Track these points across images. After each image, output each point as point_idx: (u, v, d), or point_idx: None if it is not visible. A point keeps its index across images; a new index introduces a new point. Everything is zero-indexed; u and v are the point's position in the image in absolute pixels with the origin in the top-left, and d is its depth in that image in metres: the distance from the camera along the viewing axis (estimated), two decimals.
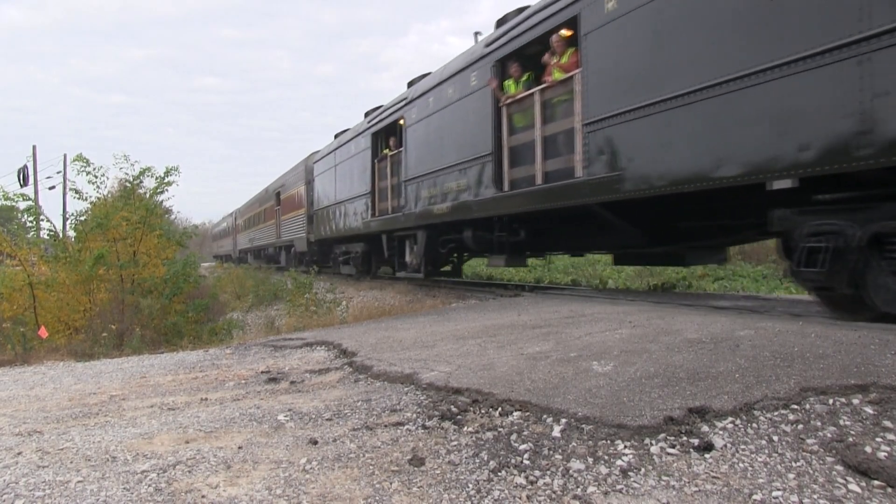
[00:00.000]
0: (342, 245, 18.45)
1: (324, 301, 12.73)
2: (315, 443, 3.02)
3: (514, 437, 2.88)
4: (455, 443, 2.90)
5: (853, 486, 2.23)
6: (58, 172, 34.97)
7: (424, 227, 11.66)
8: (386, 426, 3.21)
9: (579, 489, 2.38)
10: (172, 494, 2.49)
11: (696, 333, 4.35)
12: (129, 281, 12.47)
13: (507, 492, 2.40)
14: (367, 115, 15.11)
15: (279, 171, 43.88)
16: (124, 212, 12.83)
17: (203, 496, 2.46)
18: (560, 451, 2.68)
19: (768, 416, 2.76)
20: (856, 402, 2.79)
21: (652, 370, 3.49)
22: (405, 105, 12.22)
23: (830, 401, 2.82)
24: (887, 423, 2.58)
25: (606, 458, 2.58)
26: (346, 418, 3.42)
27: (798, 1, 4.71)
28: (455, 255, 12.93)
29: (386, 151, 13.88)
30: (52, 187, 36.69)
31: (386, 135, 14.07)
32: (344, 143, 16.70)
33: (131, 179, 13.64)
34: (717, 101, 5.37)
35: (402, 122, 12.58)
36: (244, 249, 39.11)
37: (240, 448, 3.00)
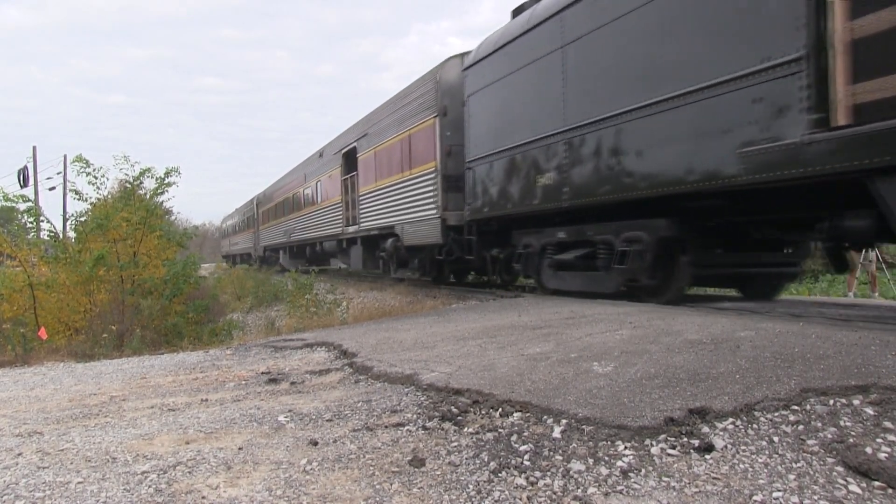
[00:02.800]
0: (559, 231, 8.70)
1: (324, 302, 12.73)
2: (315, 444, 3.02)
3: (514, 437, 2.88)
4: (455, 444, 2.90)
5: (854, 487, 2.23)
6: (58, 173, 35.00)
7: None
8: (386, 427, 3.20)
9: (580, 490, 2.38)
10: (173, 495, 2.48)
11: (697, 334, 4.35)
12: (129, 282, 12.46)
13: (507, 493, 2.40)
14: None
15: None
16: (124, 212, 12.82)
17: (203, 497, 2.46)
18: (560, 451, 2.68)
19: (769, 416, 2.76)
20: (856, 402, 2.79)
21: (652, 371, 3.49)
22: None
23: (831, 401, 2.82)
24: (888, 424, 2.58)
25: (607, 458, 2.57)
26: (346, 419, 3.42)
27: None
28: None
29: None
30: (53, 188, 36.37)
31: None
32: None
33: (131, 180, 13.64)
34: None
35: None
36: (273, 247, 29.91)
37: (240, 449, 3.00)
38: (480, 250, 10.74)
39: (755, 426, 2.70)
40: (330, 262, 24.71)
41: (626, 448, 2.63)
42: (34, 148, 33.47)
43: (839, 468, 2.35)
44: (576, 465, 2.54)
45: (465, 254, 11.12)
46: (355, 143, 16.51)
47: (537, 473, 2.53)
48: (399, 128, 13.18)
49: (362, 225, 15.88)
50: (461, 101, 10.70)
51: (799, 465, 2.40)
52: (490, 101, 9.71)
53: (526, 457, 2.67)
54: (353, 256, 17.67)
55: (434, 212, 11.46)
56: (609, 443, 2.69)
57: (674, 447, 2.61)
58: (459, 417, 3.21)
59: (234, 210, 44.84)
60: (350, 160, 17.07)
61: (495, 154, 9.60)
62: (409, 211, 12.66)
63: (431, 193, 11.57)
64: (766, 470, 2.39)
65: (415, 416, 3.34)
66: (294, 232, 24.44)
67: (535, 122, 8.56)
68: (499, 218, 10.01)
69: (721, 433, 2.67)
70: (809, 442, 2.54)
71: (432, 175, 11.52)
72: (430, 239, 11.81)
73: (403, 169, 12.92)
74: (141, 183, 13.75)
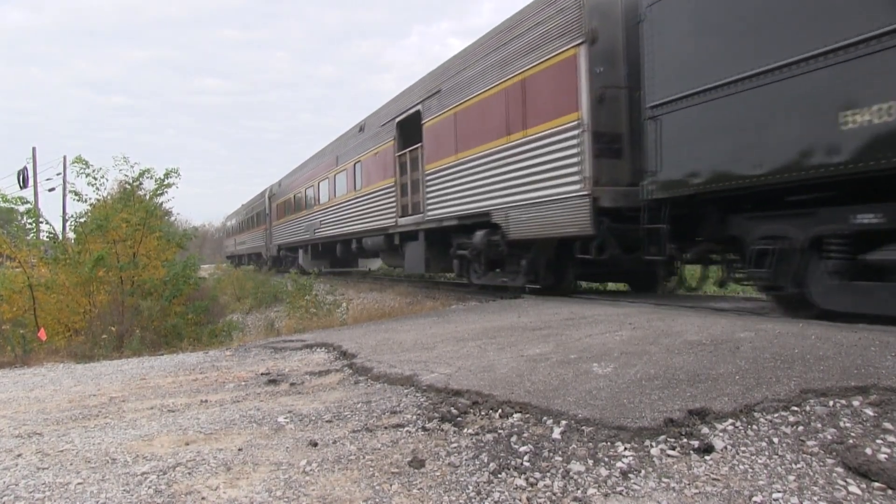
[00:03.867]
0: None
1: (324, 303, 12.73)
2: (315, 444, 3.02)
3: (514, 438, 2.88)
4: (455, 444, 2.90)
5: (853, 488, 2.23)
6: (58, 174, 34.98)
7: None
8: (386, 428, 3.20)
9: (579, 491, 2.38)
10: (172, 496, 2.48)
11: (697, 335, 4.35)
12: (128, 283, 12.46)
13: (507, 493, 2.40)
14: None
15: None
16: (124, 213, 12.83)
17: (203, 498, 2.45)
18: (560, 452, 2.68)
19: (768, 417, 2.76)
20: (856, 403, 2.79)
21: (652, 372, 3.49)
22: None
23: (831, 402, 2.82)
24: (887, 425, 2.58)
25: (607, 459, 2.57)
26: (346, 420, 3.42)
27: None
28: None
29: None
30: (52, 189, 36.25)
31: None
32: None
33: (131, 181, 13.65)
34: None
35: None
36: (289, 245, 25.06)
37: (240, 450, 3.00)
38: (670, 245, 6.79)
39: (755, 427, 2.70)
40: (358, 262, 21.82)
41: (625, 449, 2.63)
42: (34, 149, 33.42)
43: (839, 469, 2.35)
44: (575, 466, 2.54)
45: (627, 249, 7.59)
46: (419, 107, 12.07)
47: (537, 474, 2.53)
48: (502, 73, 9.28)
49: (430, 213, 11.61)
50: (620, 21, 7.57)
51: (799, 466, 2.40)
52: (704, 5, 6.11)
53: (526, 458, 2.67)
54: (409, 255, 12.92)
55: (576, 187, 7.67)
56: (609, 444, 2.69)
57: (673, 448, 2.61)
58: (459, 418, 3.21)
59: (240, 206, 39.98)
60: (409, 130, 12.81)
61: (719, 88, 5.84)
62: (520, 189, 8.88)
63: (571, 160, 7.78)
64: (765, 471, 2.39)
65: (414, 417, 3.33)
66: (320, 227, 19.66)
67: (833, 21, 4.86)
68: (716, 193, 6.17)
69: (721, 434, 2.67)
70: (809, 443, 2.54)
71: (574, 133, 7.73)
72: (566, 228, 7.98)
73: (511, 130, 9.12)
74: (140, 184, 13.76)
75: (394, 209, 13.50)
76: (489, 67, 9.72)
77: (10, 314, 11.45)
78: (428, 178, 11.79)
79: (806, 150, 5.11)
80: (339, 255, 19.43)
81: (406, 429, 3.17)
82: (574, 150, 7.75)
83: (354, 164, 16.32)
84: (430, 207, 11.74)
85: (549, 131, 8.24)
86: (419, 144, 12.13)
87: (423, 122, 11.92)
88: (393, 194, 13.55)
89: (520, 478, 2.51)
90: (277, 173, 33.19)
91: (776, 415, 2.78)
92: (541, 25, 8.40)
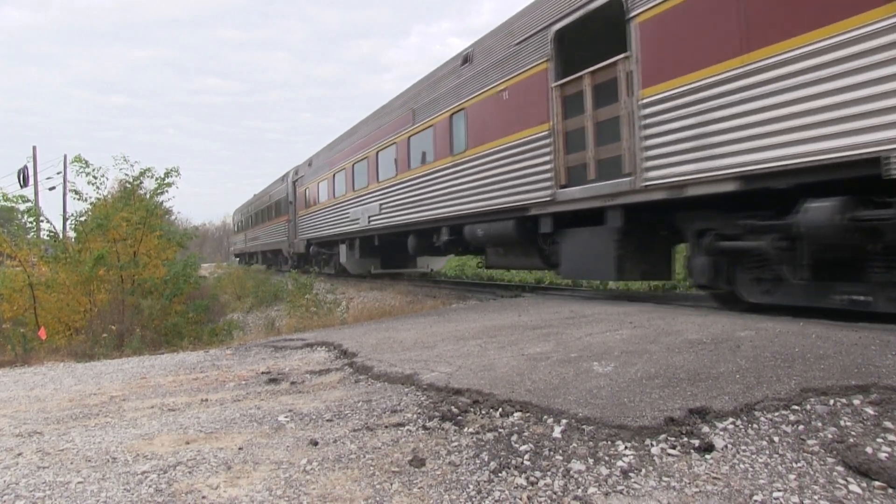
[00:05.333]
0: None
1: (324, 302, 12.73)
2: (315, 444, 3.02)
3: (514, 437, 2.88)
4: (456, 443, 2.90)
5: (854, 487, 2.23)
6: (58, 173, 34.94)
7: None
8: (386, 427, 3.20)
9: (580, 490, 2.38)
10: (173, 495, 2.48)
11: (697, 334, 4.35)
12: (129, 282, 12.48)
13: (507, 492, 2.40)
14: None
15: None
16: (124, 212, 12.84)
17: (203, 497, 2.46)
18: (561, 451, 2.68)
19: (769, 416, 2.76)
20: (856, 402, 2.79)
21: (653, 371, 3.49)
22: None
23: (831, 401, 2.82)
24: (888, 424, 2.58)
25: (607, 458, 2.57)
26: (346, 419, 3.42)
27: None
28: None
29: None
30: (53, 188, 36.22)
31: None
32: None
33: (131, 180, 13.66)
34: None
35: None
36: (325, 239, 19.16)
37: (240, 449, 3.00)
38: None
39: (755, 426, 2.70)
40: (416, 262, 17.06)
41: (626, 448, 2.63)
42: (34, 148, 33.50)
43: (839, 468, 2.35)
44: (576, 465, 2.54)
45: None
46: None
47: (537, 473, 2.53)
48: None
49: (653, 174, 6.62)
50: None
51: (799, 465, 2.40)
52: None
53: (526, 457, 2.67)
54: (574, 251, 8.26)
55: None
56: (609, 443, 2.69)
57: (674, 447, 2.61)
58: (459, 417, 3.21)
59: (252, 197, 35.39)
60: (576, 45, 8.20)
61: None
62: None
63: None
64: (766, 470, 2.39)
65: (415, 415, 3.33)
66: (379, 213, 14.15)
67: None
68: None
69: (721, 433, 2.67)
70: (810, 442, 2.54)
71: None
72: None
73: None
74: (141, 183, 13.77)
75: (542, 176, 8.40)
76: None
77: (11, 313, 11.46)
78: (652, 111, 6.63)
79: None
80: (416, 246, 13.21)
81: (406, 428, 3.17)
82: None
83: (451, 116, 10.87)
84: (654, 164, 6.62)
85: None
86: (623, 56, 6.99)
87: (634, 14, 6.78)
88: (544, 151, 8.37)
89: (520, 477, 2.51)
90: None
91: (777, 414, 2.77)
92: None
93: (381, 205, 14.16)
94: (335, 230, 17.79)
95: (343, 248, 17.64)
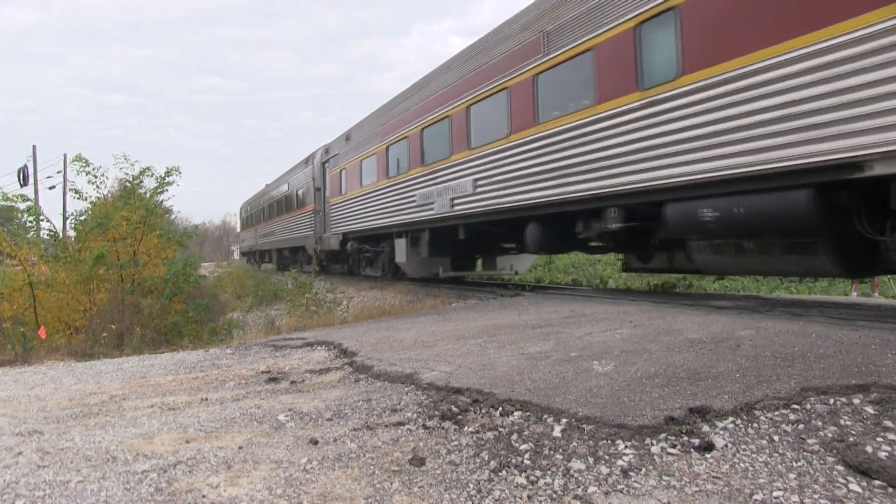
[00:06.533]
0: None
1: (324, 301, 12.72)
2: (315, 443, 3.02)
3: (514, 436, 2.88)
4: (456, 443, 2.90)
5: (854, 486, 2.23)
6: (58, 172, 34.88)
7: None
8: (386, 426, 3.20)
9: (580, 489, 2.38)
10: (173, 494, 2.48)
11: (697, 333, 4.35)
12: (129, 281, 12.47)
13: (507, 492, 2.40)
14: None
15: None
16: (124, 212, 12.83)
17: (204, 496, 2.45)
18: (561, 450, 2.68)
19: (769, 415, 2.76)
20: (856, 401, 2.79)
21: (653, 370, 3.49)
22: None
23: (831, 401, 2.82)
24: (888, 423, 2.58)
25: (607, 458, 2.57)
26: (346, 418, 3.42)
27: None
28: None
29: None
30: (53, 187, 36.16)
31: None
32: None
33: (131, 179, 13.65)
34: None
35: None
36: (374, 231, 14.61)
37: (240, 448, 3.00)
38: None
39: (755, 425, 2.70)
40: (496, 264, 13.31)
41: (626, 447, 2.63)
42: (34, 147, 33.41)
43: (839, 467, 2.35)
44: (576, 464, 2.54)
45: None
46: None
47: (538, 472, 2.53)
48: None
49: None
50: None
51: (799, 464, 2.40)
52: None
53: (526, 456, 2.67)
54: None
55: None
56: (609, 442, 2.69)
57: (674, 446, 2.61)
58: (460, 416, 3.21)
59: (264, 187, 30.82)
60: None
61: None
62: None
63: None
64: (766, 469, 2.39)
65: (415, 415, 3.33)
66: (477, 191, 10.16)
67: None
68: None
69: (721, 432, 2.67)
70: (810, 441, 2.54)
71: None
72: None
73: None
74: (141, 182, 13.76)
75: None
76: None
77: (11, 312, 11.45)
78: None
79: None
80: (526, 244, 9.48)
81: (407, 427, 3.17)
82: None
83: (639, 26, 6.73)
84: None
85: None
86: None
87: None
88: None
89: (520, 476, 2.51)
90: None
91: (777, 413, 2.77)
92: None
93: (475, 180, 10.16)
94: (389, 220, 13.51)
95: (401, 244, 13.26)
